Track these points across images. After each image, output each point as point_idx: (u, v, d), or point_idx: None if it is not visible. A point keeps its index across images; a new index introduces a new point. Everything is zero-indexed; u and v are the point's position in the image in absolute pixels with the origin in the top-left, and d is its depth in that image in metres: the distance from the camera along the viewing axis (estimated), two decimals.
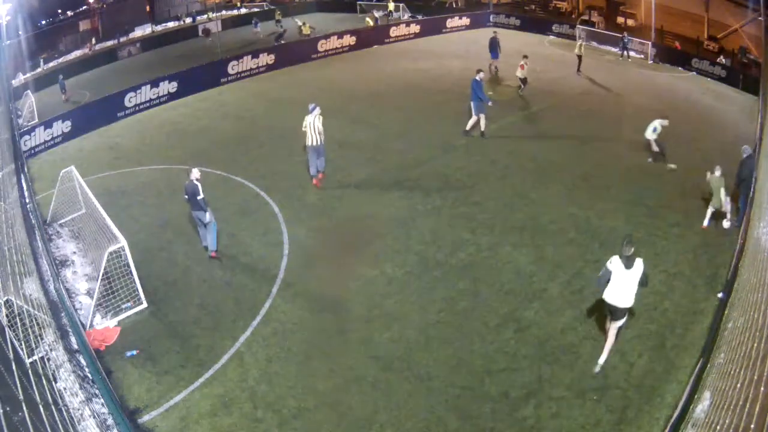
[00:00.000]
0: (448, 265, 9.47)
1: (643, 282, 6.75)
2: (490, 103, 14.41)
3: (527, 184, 12.16)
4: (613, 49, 25.41)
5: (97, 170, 14.12)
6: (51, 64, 32.24)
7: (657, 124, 12.49)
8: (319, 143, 11.96)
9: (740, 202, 10.11)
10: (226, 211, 11.36)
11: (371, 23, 32.64)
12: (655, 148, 12.75)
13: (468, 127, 14.76)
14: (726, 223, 10.19)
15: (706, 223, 10.29)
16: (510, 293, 8.69)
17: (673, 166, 12.53)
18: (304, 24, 31.89)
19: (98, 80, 25.57)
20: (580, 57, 21.66)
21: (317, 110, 11.81)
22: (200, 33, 33.39)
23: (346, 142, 14.94)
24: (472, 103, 14.47)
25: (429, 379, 7.15)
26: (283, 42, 28.55)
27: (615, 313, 6.92)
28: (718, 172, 9.91)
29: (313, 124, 11.77)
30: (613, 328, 7.09)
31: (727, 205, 10.04)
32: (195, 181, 9.34)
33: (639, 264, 6.65)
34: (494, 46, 21.06)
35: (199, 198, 9.33)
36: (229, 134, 16.26)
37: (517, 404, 6.69)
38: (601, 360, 7.19)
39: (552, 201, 11.38)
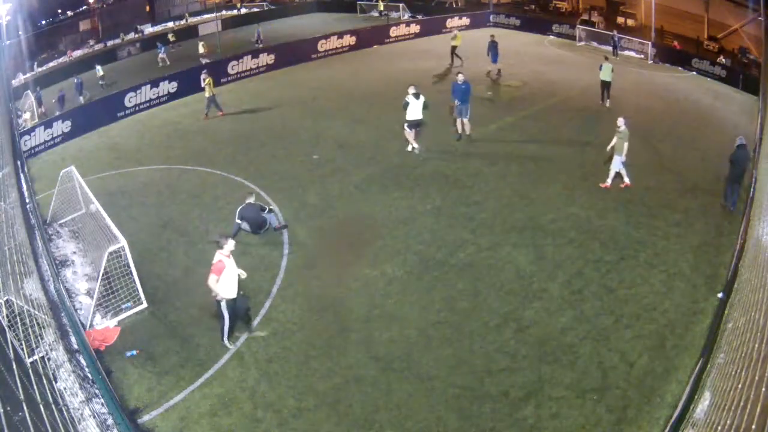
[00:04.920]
0: (448, 265, 9.47)
1: (426, 106, 13.06)
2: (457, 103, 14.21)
3: (527, 184, 12.16)
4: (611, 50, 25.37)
5: (97, 170, 14.11)
6: (52, 64, 32.26)
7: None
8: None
9: (727, 185, 10.81)
10: (226, 211, 11.36)
11: (204, 50, 27.06)
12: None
13: (460, 131, 14.55)
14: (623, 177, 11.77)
15: (609, 182, 11.73)
16: (510, 293, 8.69)
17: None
18: (202, 43, 28.42)
19: (98, 80, 25.55)
20: (454, 48, 21.89)
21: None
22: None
23: (346, 142, 14.95)
24: (462, 107, 14.15)
25: (429, 379, 7.15)
26: (168, 62, 27.24)
27: (416, 125, 13.36)
28: (623, 126, 11.35)
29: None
30: (410, 134, 13.46)
31: (621, 165, 11.55)
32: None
33: (422, 96, 12.92)
34: (493, 50, 20.86)
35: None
36: (229, 134, 16.25)
37: (517, 404, 6.69)
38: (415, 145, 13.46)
39: (552, 201, 11.38)
